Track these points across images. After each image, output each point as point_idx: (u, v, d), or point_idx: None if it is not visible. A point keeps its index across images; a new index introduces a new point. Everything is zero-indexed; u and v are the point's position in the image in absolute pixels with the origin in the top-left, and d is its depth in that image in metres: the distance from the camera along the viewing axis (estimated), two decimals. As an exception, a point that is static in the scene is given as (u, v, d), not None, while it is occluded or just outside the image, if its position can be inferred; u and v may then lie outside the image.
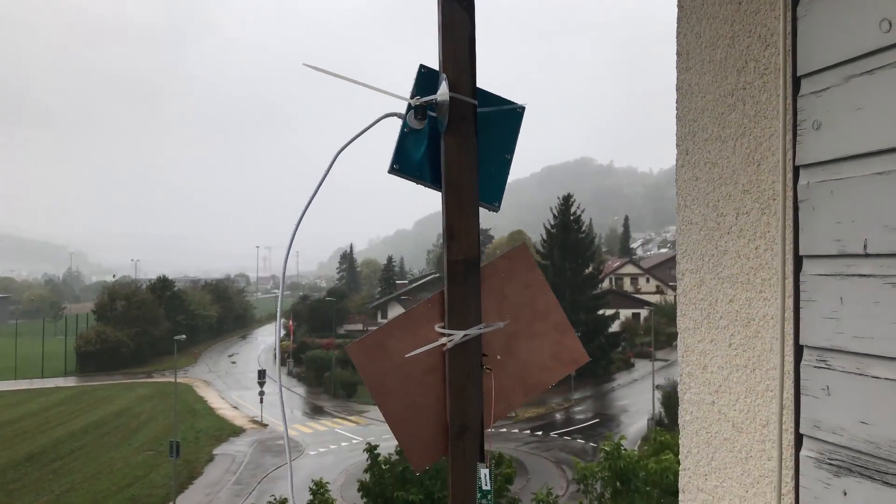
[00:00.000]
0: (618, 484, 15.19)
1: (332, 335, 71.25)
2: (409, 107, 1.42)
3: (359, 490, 18.16)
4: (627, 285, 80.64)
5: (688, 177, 1.80)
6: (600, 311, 57.05)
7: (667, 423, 38.62)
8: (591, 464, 17.83)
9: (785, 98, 1.48)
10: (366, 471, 18.26)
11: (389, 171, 1.41)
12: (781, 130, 1.49)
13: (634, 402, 50.10)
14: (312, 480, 19.41)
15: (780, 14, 1.51)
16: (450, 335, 1.36)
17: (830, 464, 1.36)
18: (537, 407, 49.78)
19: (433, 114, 1.40)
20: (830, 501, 1.36)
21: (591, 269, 59.01)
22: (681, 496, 1.85)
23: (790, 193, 1.48)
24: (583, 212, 60.38)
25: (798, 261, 1.46)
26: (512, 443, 41.03)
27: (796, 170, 1.46)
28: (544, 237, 59.70)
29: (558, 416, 49.42)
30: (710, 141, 1.72)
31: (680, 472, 1.85)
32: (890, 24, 1.24)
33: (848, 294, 1.33)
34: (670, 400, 40.87)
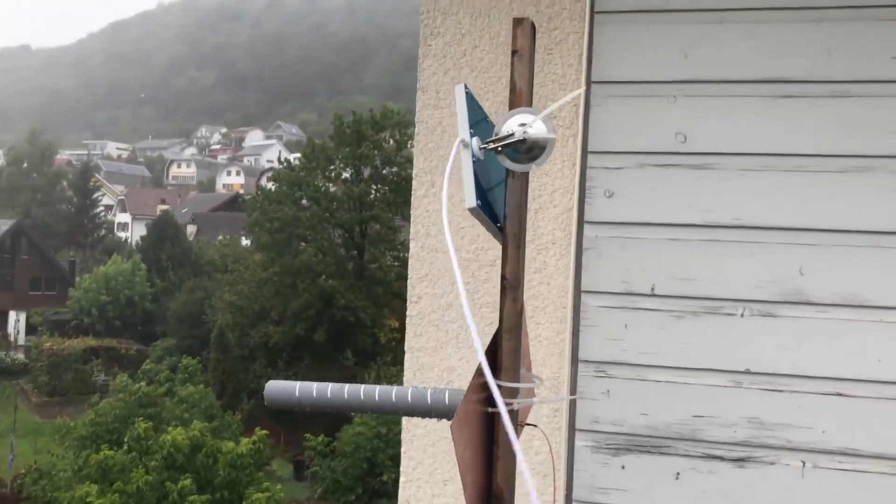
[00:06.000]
0: None
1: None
2: (472, 134, 1.20)
3: None
4: None
5: (435, 208, 1.92)
6: None
7: None
8: None
9: (578, 167, 1.85)
10: None
11: (471, 209, 1.16)
12: (572, 192, 1.86)
13: None
14: None
15: (570, 90, 1.87)
16: (537, 390, 1.25)
17: (609, 447, 1.82)
18: None
19: (497, 146, 1.21)
20: (608, 476, 1.82)
21: None
22: (402, 508, 1.94)
23: (574, 241, 1.86)
24: None
25: (578, 294, 1.85)
26: None
27: (583, 224, 1.85)
28: None
29: None
30: (471, 180, 1.91)
31: (402, 485, 1.94)
32: (685, 137, 1.80)
33: (632, 322, 1.82)
34: None
